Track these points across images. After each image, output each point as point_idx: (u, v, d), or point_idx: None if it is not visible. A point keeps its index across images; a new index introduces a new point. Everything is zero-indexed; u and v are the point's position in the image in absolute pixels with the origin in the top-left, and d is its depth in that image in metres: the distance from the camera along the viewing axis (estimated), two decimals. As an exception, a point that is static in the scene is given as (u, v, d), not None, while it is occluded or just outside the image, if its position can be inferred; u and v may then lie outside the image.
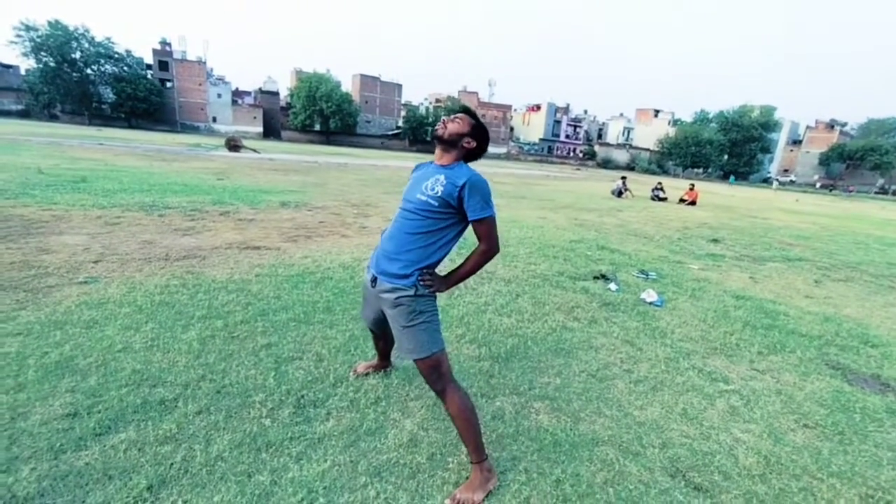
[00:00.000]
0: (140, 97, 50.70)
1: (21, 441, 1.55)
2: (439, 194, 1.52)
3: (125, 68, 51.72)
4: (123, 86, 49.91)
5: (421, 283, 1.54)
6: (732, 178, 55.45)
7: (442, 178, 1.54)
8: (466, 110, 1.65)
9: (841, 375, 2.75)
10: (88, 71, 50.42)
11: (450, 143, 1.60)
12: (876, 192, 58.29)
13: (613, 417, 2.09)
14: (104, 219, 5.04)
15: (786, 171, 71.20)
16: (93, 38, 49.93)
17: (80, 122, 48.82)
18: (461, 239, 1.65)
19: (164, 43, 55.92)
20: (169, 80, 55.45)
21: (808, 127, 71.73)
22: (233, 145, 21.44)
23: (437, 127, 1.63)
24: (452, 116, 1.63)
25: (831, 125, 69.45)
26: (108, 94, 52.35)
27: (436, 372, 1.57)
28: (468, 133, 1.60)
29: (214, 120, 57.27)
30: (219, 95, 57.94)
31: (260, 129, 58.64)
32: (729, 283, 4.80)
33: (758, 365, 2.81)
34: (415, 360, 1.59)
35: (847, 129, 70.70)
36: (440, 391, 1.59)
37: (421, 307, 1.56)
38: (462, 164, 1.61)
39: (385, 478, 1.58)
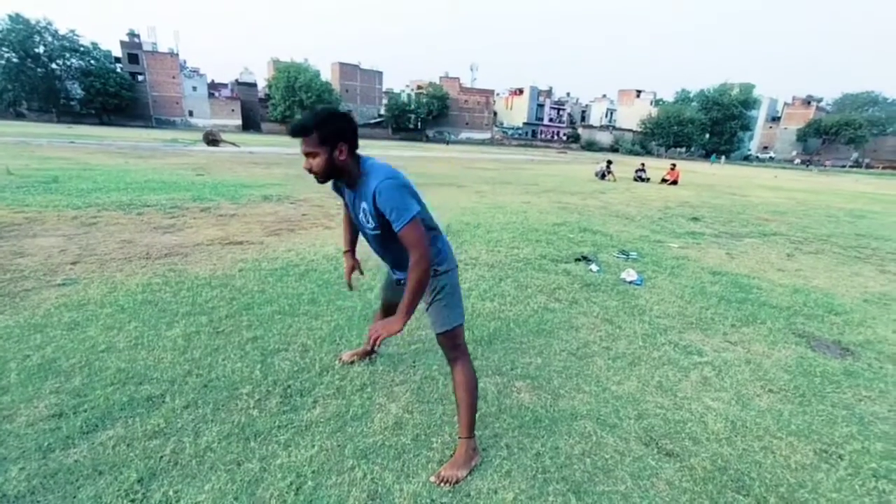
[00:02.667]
0: (110, 92, 48.97)
1: (8, 442, 1.57)
2: (374, 221, 1.48)
3: (92, 62, 49.77)
4: (92, 80, 48.10)
5: (371, 341, 1.47)
6: (714, 156, 54.41)
7: (364, 204, 1.47)
8: (299, 131, 1.39)
9: (805, 343, 2.90)
10: (54, 66, 48.45)
11: (333, 174, 1.46)
12: (850, 166, 59.87)
13: (592, 393, 2.18)
14: (80, 219, 4.94)
15: (765, 147, 72.59)
16: (56, 32, 47.91)
17: (48, 119, 47.03)
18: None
19: (132, 35, 53.80)
20: (140, 74, 53.57)
21: (785, 103, 72.99)
22: (211, 140, 20.92)
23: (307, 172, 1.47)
24: (302, 152, 1.42)
25: (808, 101, 70.78)
26: (77, 89, 50.42)
27: (451, 343, 1.66)
28: (329, 147, 1.39)
29: (191, 114, 55.68)
30: (194, 88, 56.24)
31: (239, 121, 57.27)
32: (707, 260, 4.95)
33: (730, 337, 2.93)
34: (435, 333, 1.68)
35: (823, 104, 72.12)
36: (452, 359, 1.68)
37: (441, 284, 1.62)
38: (366, 173, 1.46)
39: (371, 459, 1.64)
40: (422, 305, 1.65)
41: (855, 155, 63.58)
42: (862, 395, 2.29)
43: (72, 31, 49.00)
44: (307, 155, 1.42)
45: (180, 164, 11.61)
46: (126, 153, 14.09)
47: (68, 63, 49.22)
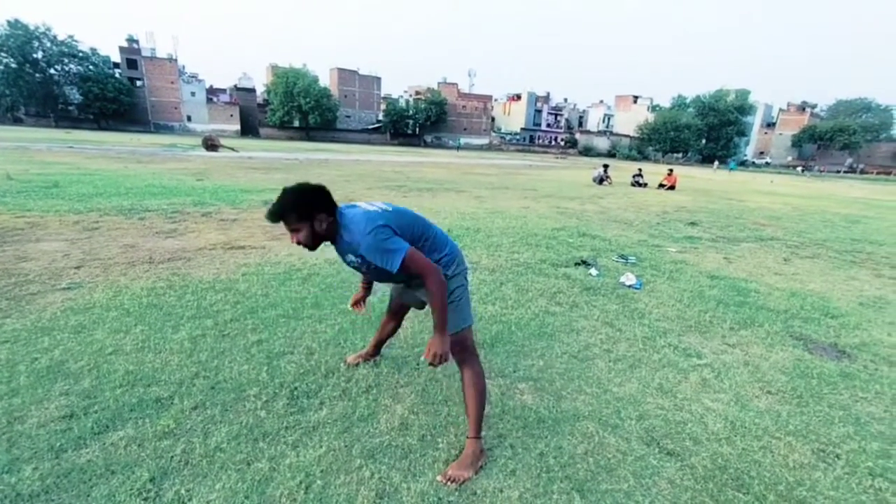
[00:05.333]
0: (109, 97, 48.96)
1: (20, 443, 1.59)
2: (366, 264, 1.57)
3: (91, 67, 49.78)
4: (90, 86, 48.09)
5: (430, 365, 1.59)
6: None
7: (350, 256, 1.61)
8: (278, 216, 1.48)
9: (802, 345, 2.94)
10: (52, 71, 48.46)
11: (320, 241, 1.57)
12: (845, 172, 60.34)
13: (594, 394, 2.21)
14: (82, 224, 4.96)
15: (762, 153, 73.13)
16: (55, 37, 47.94)
17: (46, 124, 46.95)
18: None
19: (131, 40, 53.97)
20: (139, 79, 53.64)
21: (780, 109, 73.68)
22: (210, 144, 20.95)
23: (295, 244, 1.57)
24: (287, 229, 1.53)
25: (802, 107, 71.51)
26: (75, 94, 50.40)
27: (461, 345, 1.71)
28: (309, 223, 1.50)
29: (189, 119, 55.74)
30: (192, 94, 56.33)
31: (237, 126, 57.33)
32: (705, 264, 5.00)
33: (729, 340, 2.98)
34: None
35: (817, 110, 72.85)
36: (461, 361, 1.73)
37: (451, 287, 1.68)
38: (346, 229, 1.54)
39: (378, 459, 1.67)
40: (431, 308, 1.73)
41: (849, 160, 64.11)
42: (858, 397, 2.33)
43: (70, 37, 49.06)
44: (291, 231, 1.53)
45: (180, 169, 11.64)
46: (125, 158, 14.10)
47: (67, 68, 49.24)
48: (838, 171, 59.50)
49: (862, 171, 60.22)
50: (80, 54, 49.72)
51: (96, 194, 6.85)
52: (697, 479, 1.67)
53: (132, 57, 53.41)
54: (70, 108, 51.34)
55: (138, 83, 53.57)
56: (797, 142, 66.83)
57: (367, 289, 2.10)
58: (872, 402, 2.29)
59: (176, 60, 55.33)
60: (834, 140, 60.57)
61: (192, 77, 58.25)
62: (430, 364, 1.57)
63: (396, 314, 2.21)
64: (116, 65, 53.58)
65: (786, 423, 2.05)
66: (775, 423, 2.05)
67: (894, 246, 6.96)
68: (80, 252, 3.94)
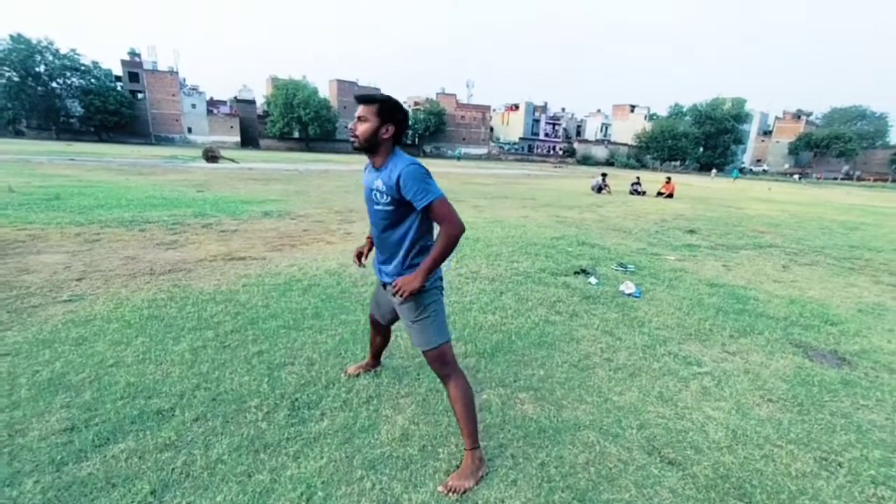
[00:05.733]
0: (110, 110, 49.42)
1: (21, 456, 1.59)
2: (387, 198, 1.58)
3: (93, 80, 50.32)
4: (92, 98, 48.57)
5: (394, 294, 1.60)
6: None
7: (379, 182, 1.58)
8: (364, 99, 1.56)
9: (803, 352, 2.95)
10: (54, 84, 48.99)
11: (370, 148, 1.58)
12: (842, 178, 60.67)
13: (594, 403, 2.21)
14: (83, 236, 4.98)
15: (759, 160, 73.58)
16: (57, 51, 48.54)
17: (48, 137, 47.26)
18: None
19: (133, 54, 54.66)
20: (140, 92, 54.21)
21: (776, 117, 74.34)
22: (210, 156, 21.10)
23: (348, 134, 1.60)
24: (357, 115, 1.57)
25: (798, 115, 72.12)
26: (76, 107, 50.92)
27: (440, 360, 1.70)
28: (379, 123, 1.54)
29: (190, 131, 56.16)
30: (193, 106, 56.84)
31: (237, 138, 57.73)
32: (704, 271, 5.01)
33: (729, 347, 2.98)
34: (422, 351, 1.72)
35: (813, 118, 73.49)
36: (444, 376, 1.72)
37: (427, 301, 1.67)
38: (395, 157, 1.58)
39: (380, 470, 1.66)
40: (407, 323, 1.72)
41: (846, 167, 64.53)
42: (859, 404, 2.33)
43: (73, 51, 49.65)
44: (359, 119, 1.56)
45: (180, 181, 11.71)
46: (126, 170, 14.19)
47: (69, 82, 49.78)
48: (835, 179, 59.83)
49: (859, 178, 60.55)
50: (82, 68, 50.28)
51: (97, 206, 6.89)
52: (699, 488, 1.67)
53: (134, 70, 54.04)
54: (71, 120, 51.78)
55: (139, 96, 54.13)
56: (794, 149, 67.30)
57: (373, 241, 2.04)
58: (874, 409, 2.29)
59: (177, 73, 55.95)
60: (830, 147, 61.01)
61: (193, 89, 58.81)
62: (391, 285, 1.63)
63: (378, 327, 2.20)
64: (118, 78, 54.18)
65: (787, 432, 2.05)
66: (777, 431, 2.05)
67: (892, 252, 6.99)
68: (81, 264, 3.95)
